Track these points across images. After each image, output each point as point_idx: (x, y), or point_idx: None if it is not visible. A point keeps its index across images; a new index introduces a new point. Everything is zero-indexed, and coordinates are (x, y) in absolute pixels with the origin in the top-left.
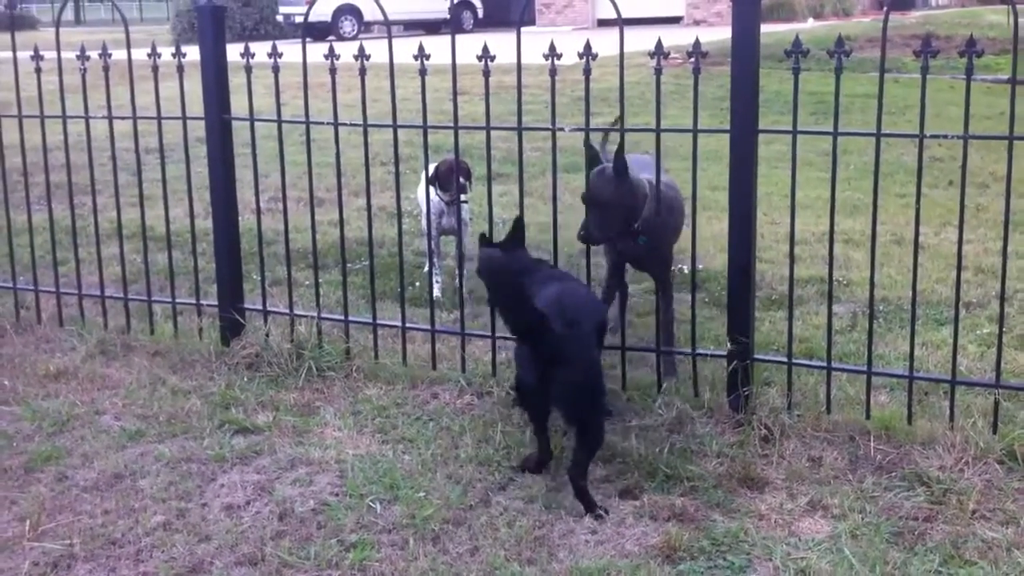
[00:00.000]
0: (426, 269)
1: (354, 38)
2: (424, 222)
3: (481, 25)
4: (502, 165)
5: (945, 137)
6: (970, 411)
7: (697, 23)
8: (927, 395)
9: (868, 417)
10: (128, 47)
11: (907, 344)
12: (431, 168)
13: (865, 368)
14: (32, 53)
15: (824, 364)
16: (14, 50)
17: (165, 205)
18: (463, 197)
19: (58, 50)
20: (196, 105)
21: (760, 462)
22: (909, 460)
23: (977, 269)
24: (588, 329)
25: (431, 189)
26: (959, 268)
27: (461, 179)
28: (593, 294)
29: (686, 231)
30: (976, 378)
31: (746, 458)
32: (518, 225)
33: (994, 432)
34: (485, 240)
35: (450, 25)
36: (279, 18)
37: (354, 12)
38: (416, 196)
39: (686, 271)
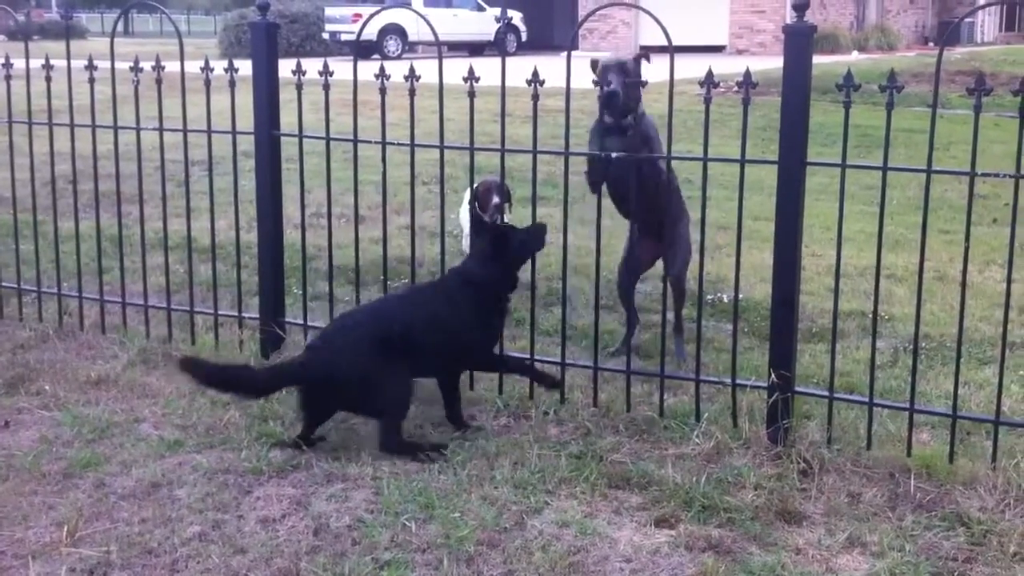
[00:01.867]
0: None
1: (398, 57)
2: (465, 243)
3: (524, 48)
4: (542, 188)
5: (996, 176)
6: (1012, 452)
7: (740, 52)
8: (969, 435)
9: (909, 455)
10: (182, 60)
11: (949, 382)
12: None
13: (907, 405)
14: (86, 63)
15: (866, 400)
16: (68, 59)
17: (211, 217)
18: (505, 219)
19: (112, 61)
20: (242, 118)
21: (798, 496)
22: (950, 500)
23: (1021, 309)
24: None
25: (471, 209)
26: (1007, 307)
27: (497, 199)
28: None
29: (723, 255)
30: (1020, 419)
31: (784, 491)
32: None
33: None
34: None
35: (498, 48)
36: (325, 35)
37: (399, 32)
38: (458, 216)
39: (727, 300)
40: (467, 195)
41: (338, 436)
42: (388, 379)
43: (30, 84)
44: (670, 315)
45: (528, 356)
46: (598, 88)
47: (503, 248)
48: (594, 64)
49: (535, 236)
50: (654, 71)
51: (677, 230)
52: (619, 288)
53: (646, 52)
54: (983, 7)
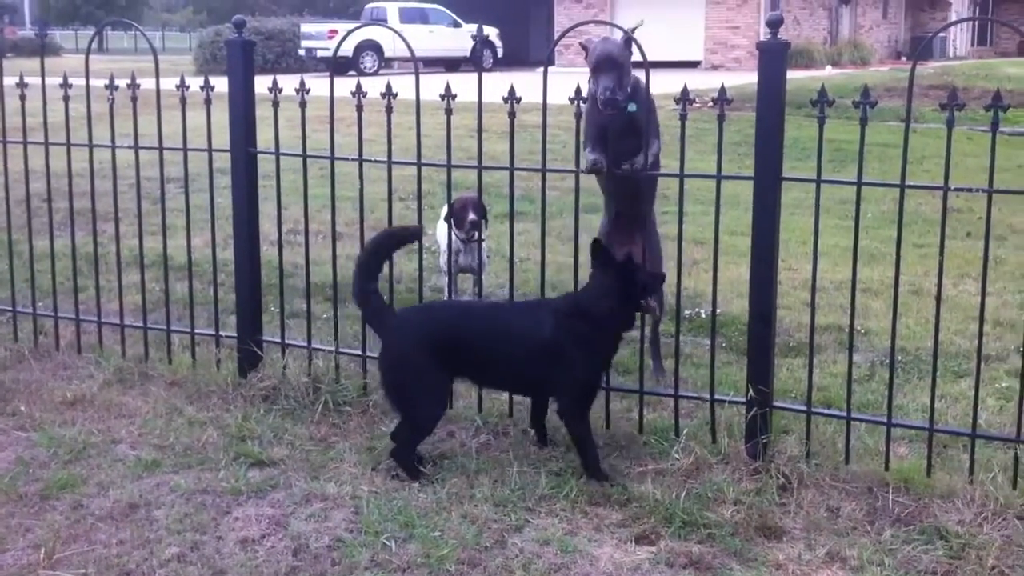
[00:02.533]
0: None
1: (375, 73)
2: (442, 259)
3: (500, 64)
4: (519, 203)
5: (969, 191)
6: (990, 465)
7: (715, 68)
8: (946, 448)
9: (887, 468)
10: (157, 77)
11: (926, 395)
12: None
13: (885, 419)
14: (60, 81)
15: (843, 414)
16: (43, 77)
17: (188, 235)
18: (482, 235)
19: (87, 78)
20: (218, 135)
21: (778, 511)
22: (928, 513)
23: (996, 322)
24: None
25: (448, 226)
26: (981, 320)
27: (474, 216)
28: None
29: (700, 270)
30: (996, 432)
31: (764, 506)
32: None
33: (1014, 487)
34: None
35: (475, 65)
36: (300, 52)
37: (375, 48)
38: (435, 232)
39: (704, 315)
40: (444, 211)
41: (317, 456)
42: (427, 388)
43: (3, 102)
44: (647, 329)
45: None
46: (591, 83)
47: (631, 287)
48: (585, 48)
49: (655, 281)
50: None
51: (649, 232)
52: None
53: (632, 33)
54: (955, 23)
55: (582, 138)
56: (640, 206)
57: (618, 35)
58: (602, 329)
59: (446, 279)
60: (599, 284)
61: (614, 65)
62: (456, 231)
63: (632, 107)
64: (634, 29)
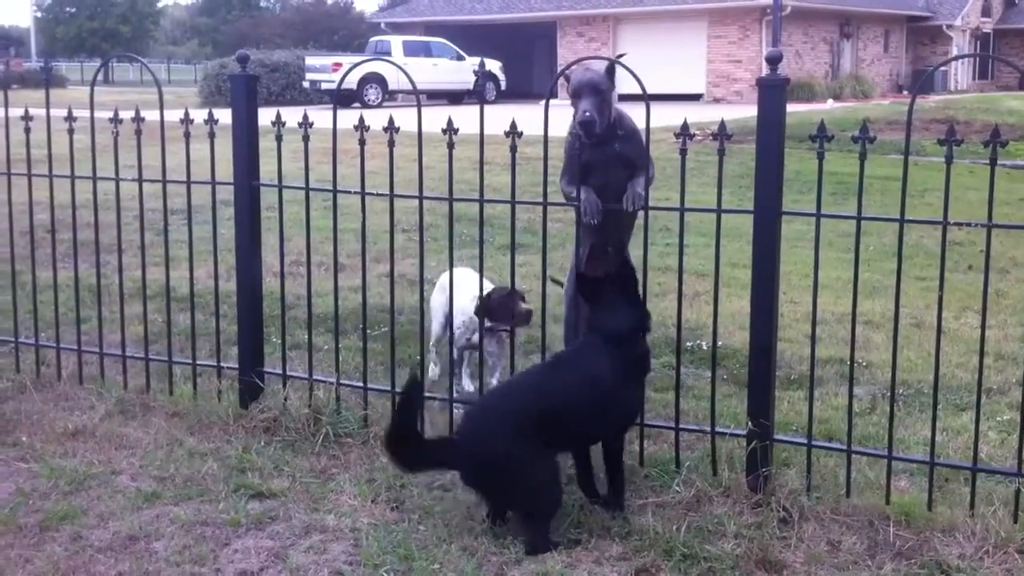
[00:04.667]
0: (434, 364)
1: (378, 106)
2: (436, 330)
3: (503, 97)
4: (521, 236)
5: (969, 225)
6: (991, 499)
7: (717, 101)
8: (947, 481)
9: (888, 502)
10: (161, 110)
11: (927, 428)
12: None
13: (886, 452)
14: (65, 114)
15: (844, 447)
16: (48, 108)
17: (191, 266)
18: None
19: (91, 111)
20: (221, 167)
21: (778, 544)
22: (929, 547)
23: (997, 355)
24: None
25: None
26: (981, 354)
27: (524, 305)
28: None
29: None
30: (997, 466)
31: (764, 540)
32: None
33: (1015, 521)
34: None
35: (477, 98)
36: (305, 84)
37: (379, 81)
38: (429, 301)
39: (705, 347)
40: (443, 279)
41: (317, 487)
42: (538, 470)
43: (9, 133)
44: None
45: None
46: (572, 107)
47: (634, 283)
48: (567, 78)
49: (648, 316)
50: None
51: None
52: (566, 325)
53: (617, 60)
54: (955, 59)
55: (560, 174)
56: (621, 237)
57: (622, 68)
58: (643, 339)
59: (436, 362)
60: (611, 305)
61: (593, 91)
62: (494, 323)
63: (617, 146)
64: (619, 57)
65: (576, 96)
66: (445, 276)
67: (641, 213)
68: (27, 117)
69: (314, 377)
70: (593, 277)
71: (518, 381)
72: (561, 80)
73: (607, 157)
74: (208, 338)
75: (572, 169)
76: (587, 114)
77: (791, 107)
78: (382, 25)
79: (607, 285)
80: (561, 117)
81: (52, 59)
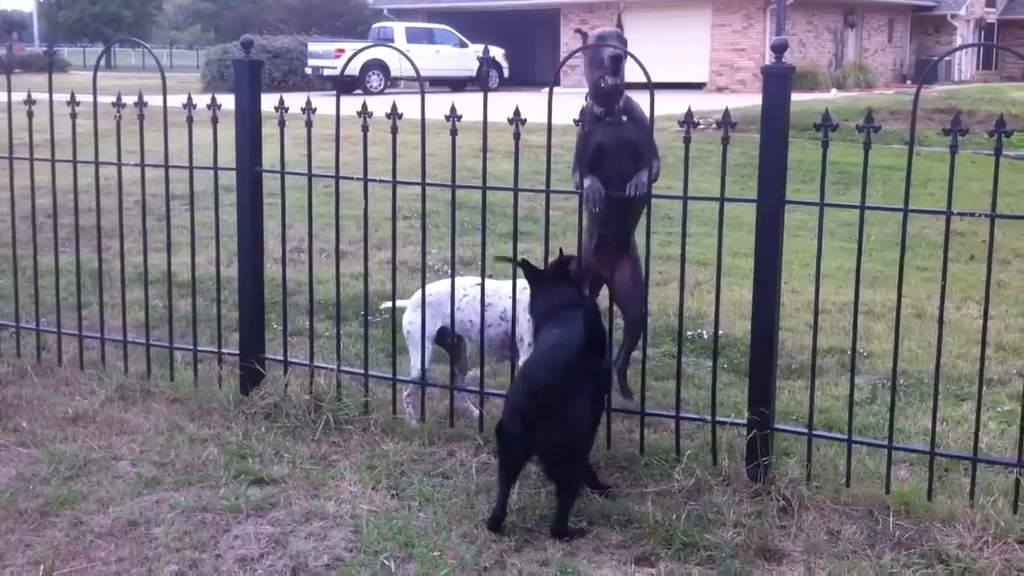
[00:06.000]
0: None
1: (380, 92)
2: (413, 357)
3: (506, 84)
4: (523, 224)
5: (972, 215)
6: (991, 489)
7: (720, 90)
8: (947, 471)
9: (888, 492)
10: (164, 95)
11: (927, 418)
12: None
13: (886, 442)
14: (68, 98)
15: (844, 436)
16: (50, 93)
17: (192, 252)
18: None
19: (94, 95)
20: (224, 153)
21: (778, 533)
22: (928, 537)
23: (998, 346)
24: (568, 383)
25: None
26: (983, 344)
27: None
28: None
29: (703, 291)
30: (997, 456)
31: (764, 529)
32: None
33: (1015, 511)
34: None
35: (480, 86)
36: (307, 70)
37: (381, 67)
38: (407, 323)
39: (706, 336)
40: (415, 298)
41: (317, 474)
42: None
43: (11, 118)
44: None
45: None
46: (591, 70)
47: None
48: (584, 36)
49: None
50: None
51: (633, 255)
52: None
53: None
54: (959, 48)
55: (572, 163)
56: (627, 227)
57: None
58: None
59: (413, 415)
60: (568, 284)
61: (619, 39)
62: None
63: (626, 131)
64: (619, 26)
65: (601, 39)
66: (418, 295)
67: (670, 203)
68: (30, 101)
69: (315, 364)
70: (528, 265)
71: (548, 346)
72: (565, 68)
73: (616, 141)
74: (209, 324)
75: (582, 156)
76: (615, 50)
77: (794, 96)
78: (385, 11)
79: (549, 274)
80: (564, 105)
81: (55, 44)
